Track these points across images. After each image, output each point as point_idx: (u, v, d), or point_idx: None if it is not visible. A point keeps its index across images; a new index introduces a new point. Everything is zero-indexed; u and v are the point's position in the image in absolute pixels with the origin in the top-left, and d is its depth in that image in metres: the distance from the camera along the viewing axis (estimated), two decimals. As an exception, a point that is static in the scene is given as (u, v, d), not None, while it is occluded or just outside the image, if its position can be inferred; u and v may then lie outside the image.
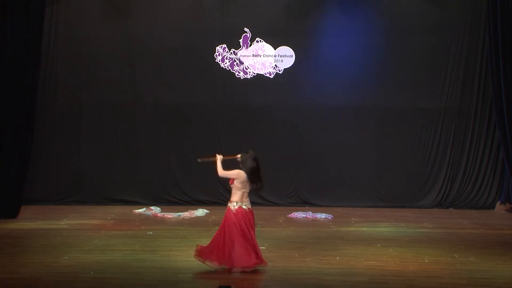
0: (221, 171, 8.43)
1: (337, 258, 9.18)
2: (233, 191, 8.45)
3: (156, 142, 13.62)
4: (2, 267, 8.52)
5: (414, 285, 7.98)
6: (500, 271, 8.62)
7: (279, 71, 13.58)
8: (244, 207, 8.44)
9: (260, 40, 13.55)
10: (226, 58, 13.52)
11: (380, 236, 10.69)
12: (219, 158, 8.50)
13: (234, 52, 13.53)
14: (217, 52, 13.53)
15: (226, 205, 8.51)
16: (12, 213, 11.82)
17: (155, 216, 12.37)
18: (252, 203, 13.18)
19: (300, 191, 13.68)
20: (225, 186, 13.59)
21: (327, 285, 7.93)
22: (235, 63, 13.54)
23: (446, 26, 13.47)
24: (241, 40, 13.53)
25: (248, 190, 8.49)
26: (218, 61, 13.53)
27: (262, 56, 13.55)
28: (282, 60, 13.55)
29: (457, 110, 13.58)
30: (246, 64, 13.54)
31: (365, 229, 11.32)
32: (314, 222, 12.11)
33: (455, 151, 13.63)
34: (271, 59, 13.55)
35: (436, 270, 8.63)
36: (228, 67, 13.54)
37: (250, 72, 13.56)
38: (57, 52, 13.43)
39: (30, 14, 11.90)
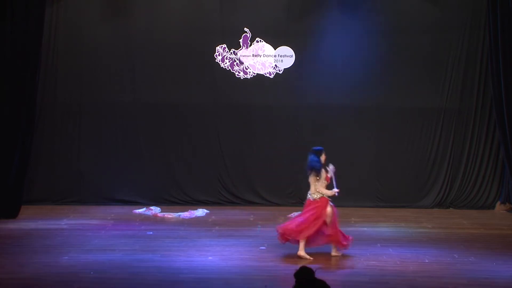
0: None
1: (337, 258, 9.17)
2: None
3: (156, 142, 13.61)
4: (2, 267, 8.52)
5: (414, 285, 7.98)
6: (500, 271, 8.62)
7: (279, 71, 13.57)
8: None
9: (260, 40, 13.54)
10: (226, 58, 13.51)
11: (380, 236, 10.69)
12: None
13: (234, 52, 13.52)
14: (217, 52, 13.52)
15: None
16: (12, 213, 11.81)
17: (155, 216, 12.36)
18: (253, 203, 13.40)
19: (300, 191, 13.65)
20: (225, 186, 13.60)
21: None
22: (235, 63, 13.53)
23: (446, 26, 13.46)
24: (241, 40, 13.53)
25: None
26: (218, 61, 13.52)
27: (262, 56, 13.54)
28: (282, 60, 13.54)
29: (457, 110, 13.57)
30: (246, 64, 13.53)
31: (365, 229, 11.32)
32: (314, 222, 12.08)
33: (455, 151, 13.62)
34: (271, 59, 13.54)
35: (436, 270, 8.62)
36: (228, 67, 13.53)
37: (250, 72, 13.55)
38: (57, 52, 13.42)
39: (30, 14, 11.89)
